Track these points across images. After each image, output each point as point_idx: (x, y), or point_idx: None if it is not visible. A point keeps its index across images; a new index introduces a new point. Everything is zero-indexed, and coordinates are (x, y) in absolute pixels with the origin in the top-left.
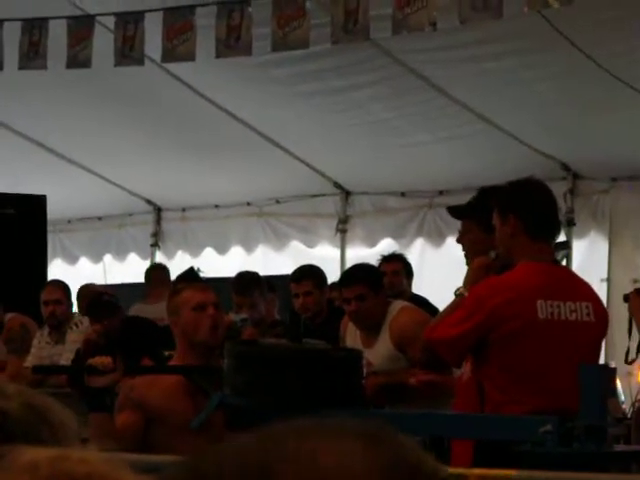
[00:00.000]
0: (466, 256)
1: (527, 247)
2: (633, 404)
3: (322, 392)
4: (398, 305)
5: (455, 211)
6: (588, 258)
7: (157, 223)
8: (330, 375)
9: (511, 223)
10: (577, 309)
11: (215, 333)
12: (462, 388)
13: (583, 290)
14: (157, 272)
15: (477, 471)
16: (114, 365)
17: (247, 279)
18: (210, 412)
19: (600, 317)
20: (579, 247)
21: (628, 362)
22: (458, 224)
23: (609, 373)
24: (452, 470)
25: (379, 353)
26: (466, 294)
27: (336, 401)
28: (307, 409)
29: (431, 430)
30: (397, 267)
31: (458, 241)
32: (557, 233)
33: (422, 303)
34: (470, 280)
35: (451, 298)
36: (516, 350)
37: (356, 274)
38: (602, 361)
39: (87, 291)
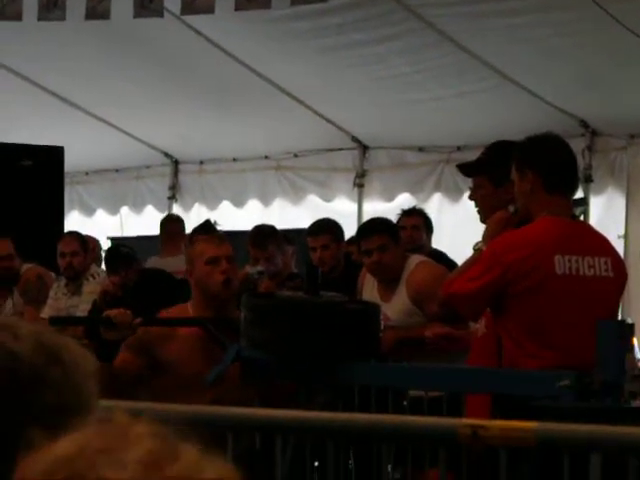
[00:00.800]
0: (479, 212)
1: (545, 202)
2: None
3: (339, 345)
4: (416, 259)
5: (465, 168)
6: (605, 215)
7: (174, 176)
8: (347, 328)
9: (529, 178)
10: (595, 264)
11: (227, 287)
12: (477, 343)
13: (602, 245)
14: (172, 224)
15: (498, 423)
16: (131, 319)
17: (264, 232)
18: (227, 365)
19: (619, 272)
20: (596, 204)
21: None
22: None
23: (627, 329)
24: (472, 422)
25: (396, 307)
26: (484, 249)
27: (353, 353)
28: (324, 362)
29: (449, 384)
30: (417, 221)
31: (470, 198)
32: (575, 189)
33: (441, 258)
34: (489, 235)
35: (469, 253)
36: (533, 305)
37: (377, 225)
38: (620, 317)
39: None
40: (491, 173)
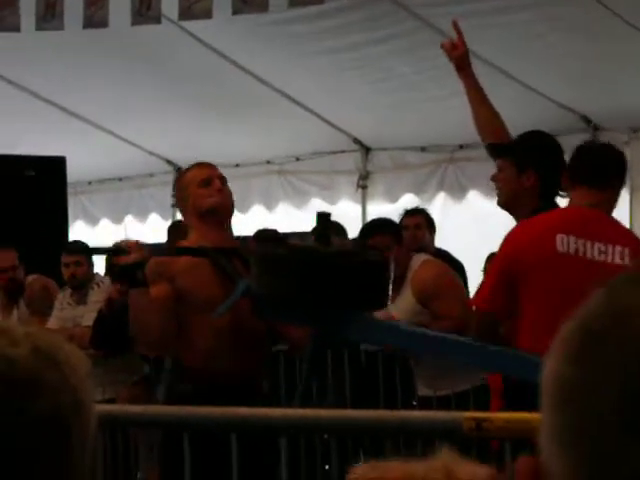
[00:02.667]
0: (498, 195)
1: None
2: None
3: (350, 292)
4: (420, 258)
5: (493, 148)
6: None
7: None
8: (356, 275)
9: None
10: (608, 251)
11: (222, 196)
12: None
13: (621, 234)
14: (179, 230)
15: (503, 415)
16: (141, 246)
17: (267, 237)
18: (236, 299)
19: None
20: None
21: None
22: (479, 178)
23: None
24: (477, 415)
25: (402, 307)
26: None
27: (364, 302)
28: (334, 308)
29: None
30: (420, 221)
31: (492, 179)
32: (599, 178)
33: (446, 257)
34: None
35: (473, 252)
36: (537, 285)
37: (379, 225)
38: None
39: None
40: (517, 157)
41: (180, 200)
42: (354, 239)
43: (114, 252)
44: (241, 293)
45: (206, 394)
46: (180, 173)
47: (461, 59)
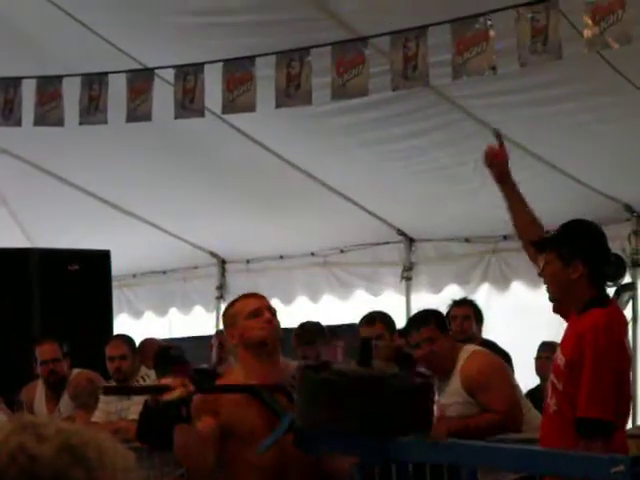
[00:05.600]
0: (548, 290)
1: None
2: None
3: (390, 418)
4: (469, 349)
5: (537, 243)
6: None
7: (222, 275)
8: (399, 401)
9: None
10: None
11: (272, 329)
12: (548, 419)
13: None
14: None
15: None
16: (187, 383)
17: (310, 329)
18: (279, 435)
19: None
20: None
21: None
22: (523, 269)
23: None
24: None
25: (451, 398)
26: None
27: (408, 427)
28: (381, 435)
29: (502, 463)
30: (468, 311)
31: (539, 274)
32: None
33: (493, 347)
34: None
35: (518, 343)
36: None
37: (423, 317)
38: None
39: (147, 345)
40: (560, 250)
41: (227, 328)
42: (398, 363)
43: (158, 390)
44: (285, 428)
45: None
46: (229, 303)
47: (501, 167)
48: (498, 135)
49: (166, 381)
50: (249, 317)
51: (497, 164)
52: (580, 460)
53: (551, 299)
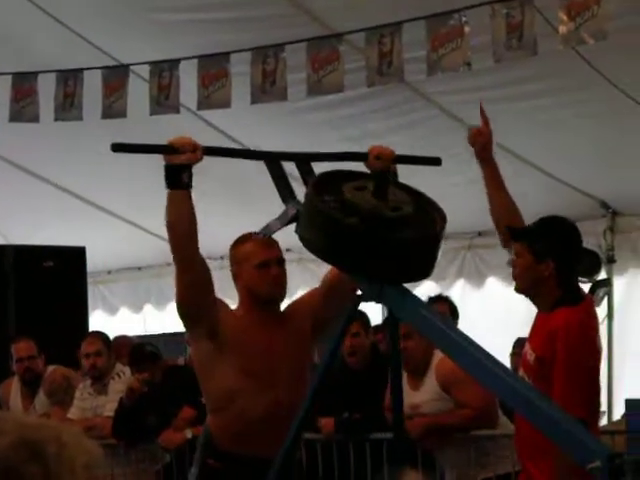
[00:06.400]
0: (516, 280)
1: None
2: None
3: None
4: None
5: (513, 230)
6: (629, 294)
7: None
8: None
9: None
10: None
11: (278, 289)
12: (519, 416)
13: None
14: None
15: None
16: (192, 142)
17: None
18: (283, 224)
19: None
20: (620, 284)
21: None
22: (498, 265)
23: None
24: None
25: (426, 395)
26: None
27: (412, 274)
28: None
29: None
30: (443, 308)
31: (509, 263)
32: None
33: None
34: None
35: (492, 339)
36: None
37: None
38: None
39: (120, 343)
40: (532, 243)
41: (233, 265)
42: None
43: (165, 150)
44: (289, 219)
45: (237, 472)
46: (239, 240)
47: (485, 146)
48: (481, 108)
49: (171, 139)
50: (257, 267)
51: (480, 142)
52: None
53: (517, 290)
